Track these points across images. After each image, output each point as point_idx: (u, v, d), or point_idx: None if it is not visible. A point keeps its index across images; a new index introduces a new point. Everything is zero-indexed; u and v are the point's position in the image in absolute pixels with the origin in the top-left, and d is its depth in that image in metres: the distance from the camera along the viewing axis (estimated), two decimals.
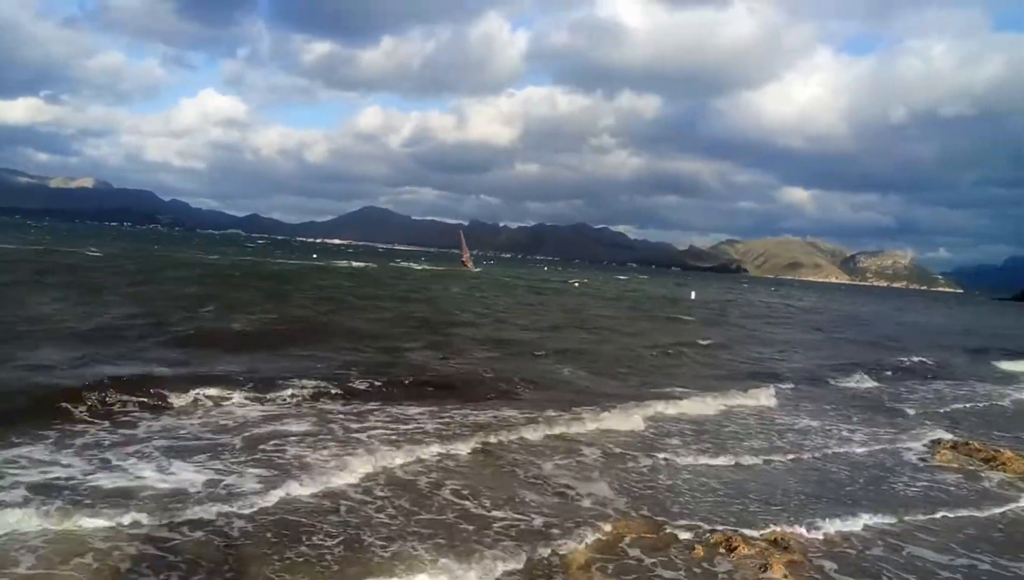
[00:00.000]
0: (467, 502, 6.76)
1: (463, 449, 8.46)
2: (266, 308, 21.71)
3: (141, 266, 38.93)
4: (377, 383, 11.73)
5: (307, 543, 5.55)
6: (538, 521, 6.42)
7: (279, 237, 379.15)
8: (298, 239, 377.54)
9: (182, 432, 8.35)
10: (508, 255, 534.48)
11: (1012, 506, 8.05)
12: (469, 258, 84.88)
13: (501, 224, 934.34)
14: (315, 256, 55.49)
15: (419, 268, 73.66)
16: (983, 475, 9.30)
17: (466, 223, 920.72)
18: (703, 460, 9.03)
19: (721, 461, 9.04)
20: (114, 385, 9.64)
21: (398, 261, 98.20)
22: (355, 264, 68.36)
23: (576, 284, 66.70)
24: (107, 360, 11.75)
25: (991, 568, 6.21)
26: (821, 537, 6.57)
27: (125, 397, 9.41)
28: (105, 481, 6.51)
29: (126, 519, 5.68)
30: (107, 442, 7.74)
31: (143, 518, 5.71)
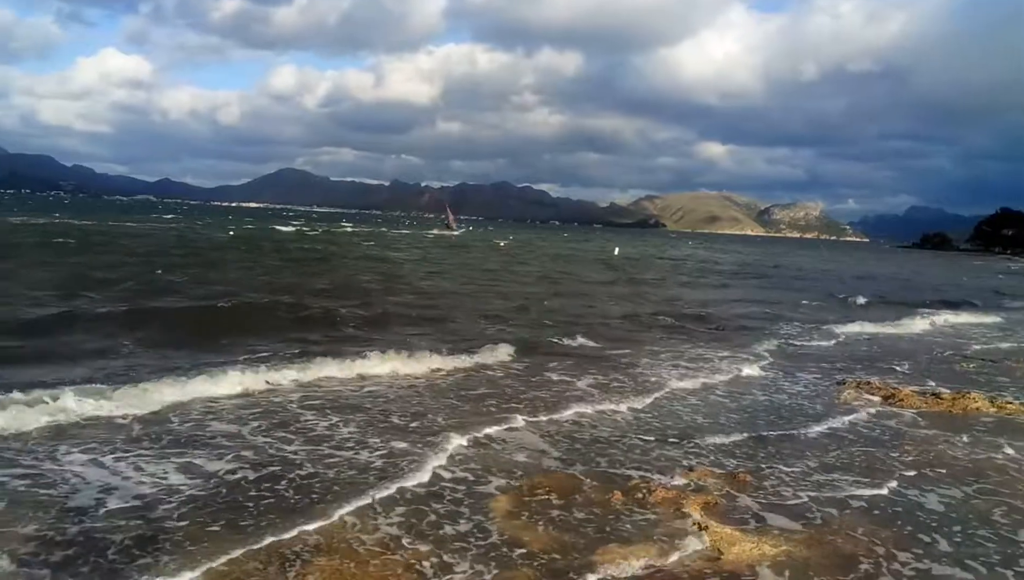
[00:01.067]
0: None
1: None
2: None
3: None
4: None
5: None
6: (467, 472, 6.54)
7: (193, 202, 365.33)
8: (213, 203, 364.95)
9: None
10: (431, 215, 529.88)
11: (911, 438, 8.58)
12: (454, 220, 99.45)
13: (423, 184, 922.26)
14: (231, 231, 52.67)
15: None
16: (885, 411, 9.86)
17: (387, 183, 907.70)
18: (624, 406, 9.30)
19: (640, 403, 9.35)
20: None
21: (343, 224, 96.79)
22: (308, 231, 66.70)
23: (502, 244, 66.72)
24: None
25: (889, 495, 6.62)
26: (733, 475, 6.86)
27: None
28: None
29: None
30: None
31: None
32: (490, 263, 38.41)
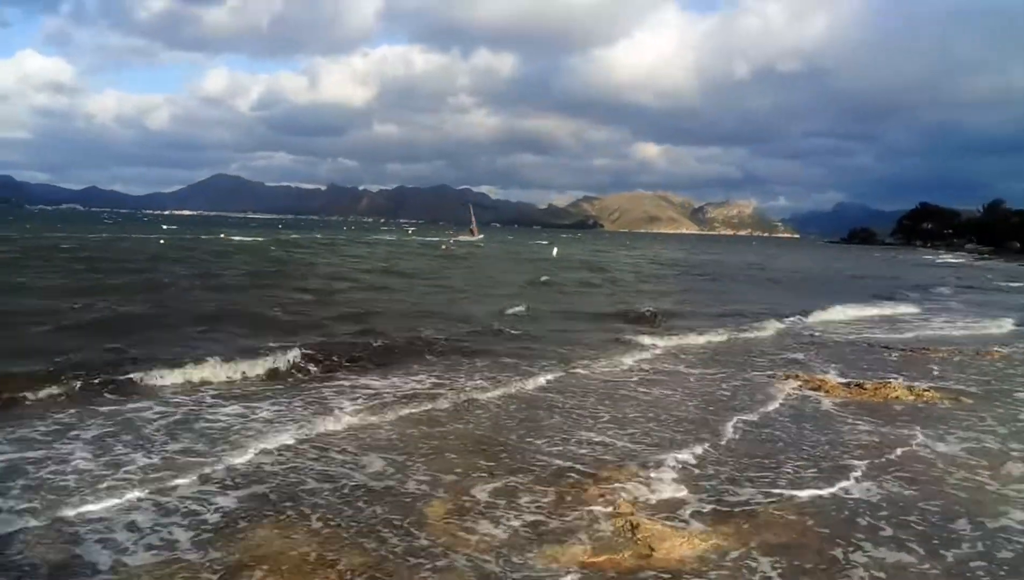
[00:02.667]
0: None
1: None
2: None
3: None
4: None
5: None
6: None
7: (123, 211, 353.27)
8: (144, 212, 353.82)
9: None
10: (369, 219, 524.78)
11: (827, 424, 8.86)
12: (476, 227, 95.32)
13: (361, 187, 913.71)
14: (162, 241, 50.60)
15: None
16: (812, 401, 10.17)
17: (323, 188, 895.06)
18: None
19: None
20: None
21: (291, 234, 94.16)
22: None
23: (444, 246, 66.52)
24: None
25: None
26: (664, 470, 6.97)
27: None
28: None
29: None
30: None
31: None
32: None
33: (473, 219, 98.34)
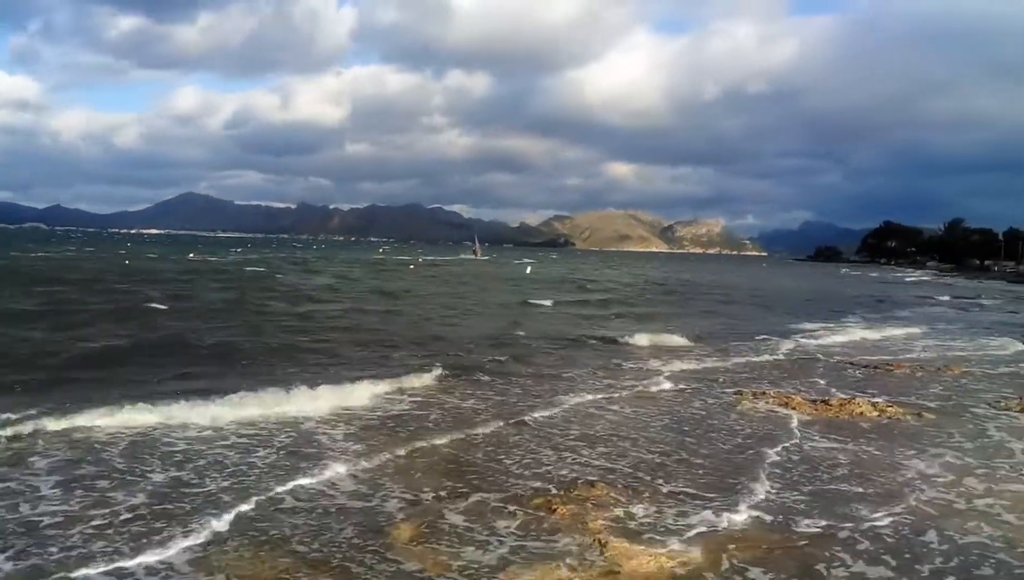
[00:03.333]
0: None
1: None
2: None
3: None
4: None
5: None
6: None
7: (89, 229, 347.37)
8: (110, 230, 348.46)
9: None
10: (340, 238, 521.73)
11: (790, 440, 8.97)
12: (479, 250, 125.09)
13: (332, 206, 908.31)
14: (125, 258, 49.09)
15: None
16: (779, 418, 10.28)
17: (294, 206, 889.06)
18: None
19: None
20: None
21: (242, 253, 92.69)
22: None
23: (412, 266, 66.34)
24: None
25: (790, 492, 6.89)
26: (633, 490, 7.00)
27: None
28: None
29: None
30: None
31: None
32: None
33: (476, 242, 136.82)
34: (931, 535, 6.11)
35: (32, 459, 7.34)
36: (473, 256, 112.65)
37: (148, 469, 7.18)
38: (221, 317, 19.71)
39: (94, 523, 5.82)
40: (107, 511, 6.08)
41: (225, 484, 6.83)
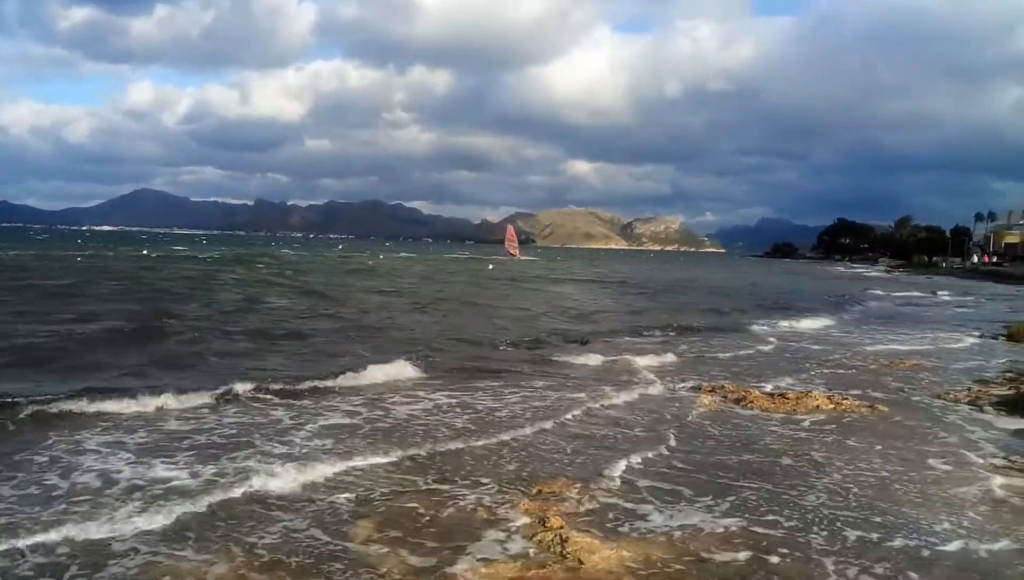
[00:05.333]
0: None
1: None
2: None
3: None
4: None
5: None
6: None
7: (38, 226, 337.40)
8: (59, 227, 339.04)
9: None
10: (299, 234, 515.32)
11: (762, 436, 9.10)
12: (515, 248, 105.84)
13: (290, 202, 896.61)
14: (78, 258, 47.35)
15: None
16: (736, 413, 10.43)
17: (251, 203, 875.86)
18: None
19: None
20: None
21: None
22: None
23: (371, 263, 65.72)
24: None
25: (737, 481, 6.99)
26: (593, 483, 7.03)
27: None
28: None
29: None
30: None
31: None
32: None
33: (515, 240, 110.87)
34: (890, 528, 6.24)
35: None
36: (511, 257, 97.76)
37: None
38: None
39: None
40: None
41: None
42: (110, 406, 9.29)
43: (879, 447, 8.69)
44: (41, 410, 8.95)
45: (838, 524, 6.23)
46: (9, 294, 22.47)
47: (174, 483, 6.71)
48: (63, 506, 6.09)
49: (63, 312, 18.37)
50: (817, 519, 6.33)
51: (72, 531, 5.57)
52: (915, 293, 46.74)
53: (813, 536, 5.97)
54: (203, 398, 9.99)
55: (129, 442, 8.01)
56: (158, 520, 5.83)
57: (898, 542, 5.89)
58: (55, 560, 5.17)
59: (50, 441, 7.90)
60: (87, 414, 9.01)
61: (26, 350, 13.18)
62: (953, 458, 8.30)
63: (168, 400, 9.67)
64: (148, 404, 9.49)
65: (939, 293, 47.01)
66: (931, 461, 8.15)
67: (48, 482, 6.67)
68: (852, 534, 6.03)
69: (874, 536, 6.00)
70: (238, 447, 7.93)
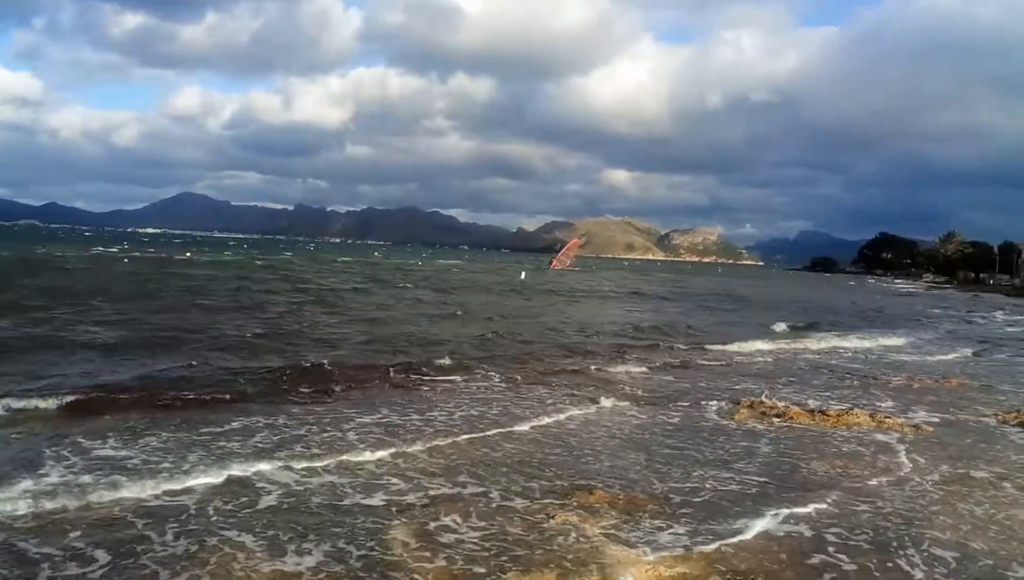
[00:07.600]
0: None
1: None
2: None
3: None
4: None
5: None
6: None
7: (84, 227, 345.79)
8: (106, 229, 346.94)
9: None
10: (337, 240, 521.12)
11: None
12: (565, 262, 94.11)
13: (329, 208, 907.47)
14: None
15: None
16: (776, 430, 10.25)
17: (291, 208, 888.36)
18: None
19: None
20: None
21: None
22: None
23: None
24: None
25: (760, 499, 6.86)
26: (631, 498, 6.96)
27: None
28: None
29: None
30: None
31: None
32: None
33: (570, 251, 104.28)
34: (932, 546, 6.09)
35: None
36: (556, 267, 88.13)
37: None
38: None
39: None
40: None
41: None
42: None
43: (937, 465, 8.48)
44: None
45: (896, 546, 6.08)
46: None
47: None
48: None
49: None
50: (870, 541, 6.19)
51: None
52: (967, 310, 45.43)
53: (868, 559, 5.84)
54: None
55: None
56: None
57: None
58: None
59: None
60: None
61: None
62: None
63: None
64: None
65: (990, 310, 45.61)
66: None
67: None
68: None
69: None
70: None
